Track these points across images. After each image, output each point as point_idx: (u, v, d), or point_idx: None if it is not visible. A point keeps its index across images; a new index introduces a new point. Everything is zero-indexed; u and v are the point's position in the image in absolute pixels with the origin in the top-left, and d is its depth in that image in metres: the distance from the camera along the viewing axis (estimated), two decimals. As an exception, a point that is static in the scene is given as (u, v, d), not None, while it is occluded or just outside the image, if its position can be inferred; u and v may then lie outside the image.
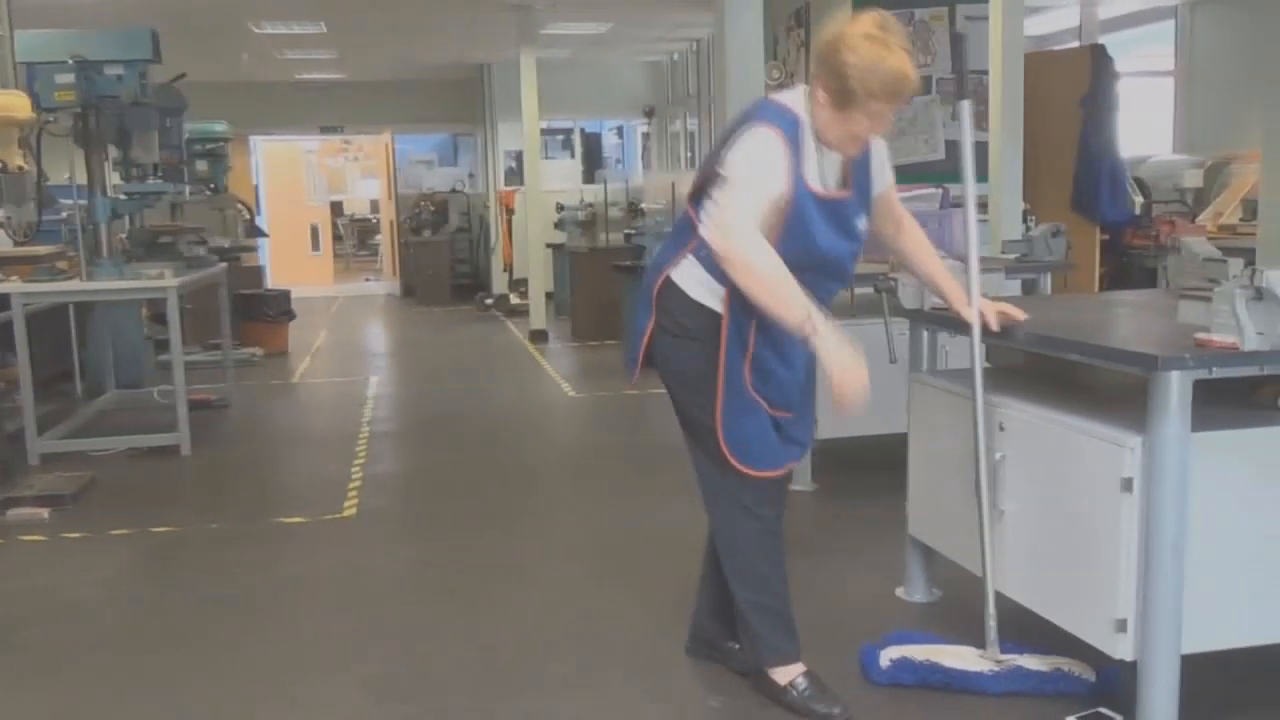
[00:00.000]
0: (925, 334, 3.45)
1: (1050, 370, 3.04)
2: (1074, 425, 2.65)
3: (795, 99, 2.65)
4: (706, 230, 2.62)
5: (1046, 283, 5.21)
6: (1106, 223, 7.42)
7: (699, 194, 2.71)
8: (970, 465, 2.90)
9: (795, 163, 2.58)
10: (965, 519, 2.97)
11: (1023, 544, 2.82)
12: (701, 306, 2.72)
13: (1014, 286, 5.04)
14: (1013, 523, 2.85)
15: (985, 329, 2.88)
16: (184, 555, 4.39)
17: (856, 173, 2.72)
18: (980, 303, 2.89)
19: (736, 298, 2.63)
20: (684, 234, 2.76)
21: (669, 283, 2.77)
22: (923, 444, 3.35)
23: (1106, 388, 2.82)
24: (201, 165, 9.06)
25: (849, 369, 2.52)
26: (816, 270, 2.66)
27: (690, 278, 2.74)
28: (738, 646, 3.02)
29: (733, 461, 2.74)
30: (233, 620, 3.66)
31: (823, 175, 2.65)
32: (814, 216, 2.61)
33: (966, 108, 2.88)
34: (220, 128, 9.28)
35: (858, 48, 2.49)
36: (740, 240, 2.52)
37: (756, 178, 2.55)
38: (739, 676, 3.00)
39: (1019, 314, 2.88)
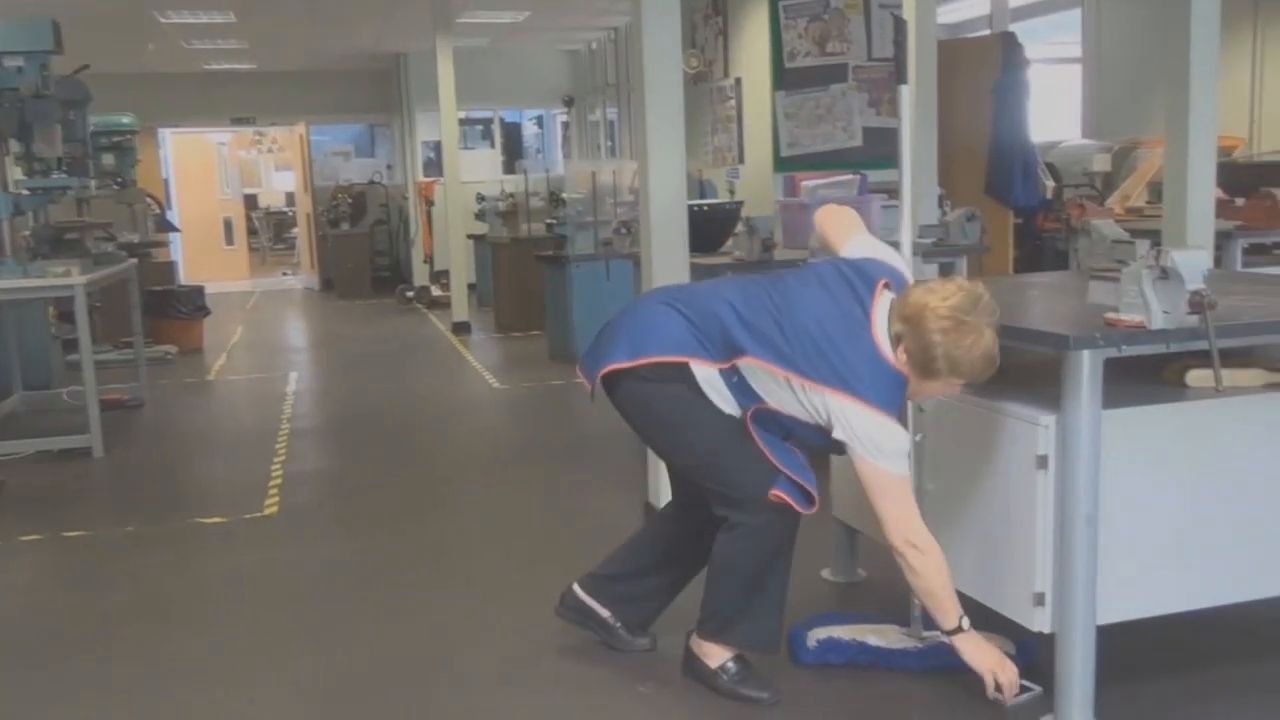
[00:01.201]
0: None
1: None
2: (990, 405, 2.70)
3: (888, 348, 2.57)
4: (890, 536, 2.60)
5: (962, 266, 5.31)
6: (1019, 207, 7.57)
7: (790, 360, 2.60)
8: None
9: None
10: (887, 500, 3.01)
11: (944, 523, 2.87)
12: (707, 399, 2.71)
13: (930, 270, 5.13)
14: (934, 502, 2.91)
15: None
16: (98, 560, 4.28)
17: None
18: None
19: (757, 419, 2.69)
20: (720, 349, 2.67)
21: (686, 370, 2.69)
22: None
23: (1021, 368, 2.89)
24: (108, 159, 8.81)
25: (999, 666, 2.60)
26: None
27: (710, 383, 2.70)
28: (619, 625, 3.11)
29: (807, 501, 2.73)
30: (150, 625, 3.58)
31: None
32: None
33: (905, 93, 2.89)
34: (126, 120, 9.03)
35: (948, 330, 2.45)
36: (923, 558, 2.58)
37: (899, 478, 2.59)
38: (664, 662, 3.01)
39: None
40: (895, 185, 3.49)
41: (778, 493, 2.68)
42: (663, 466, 3.96)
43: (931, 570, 2.59)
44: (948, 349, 2.46)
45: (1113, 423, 2.50)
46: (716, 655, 2.88)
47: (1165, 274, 2.45)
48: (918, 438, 2.91)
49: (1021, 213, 7.68)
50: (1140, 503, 2.57)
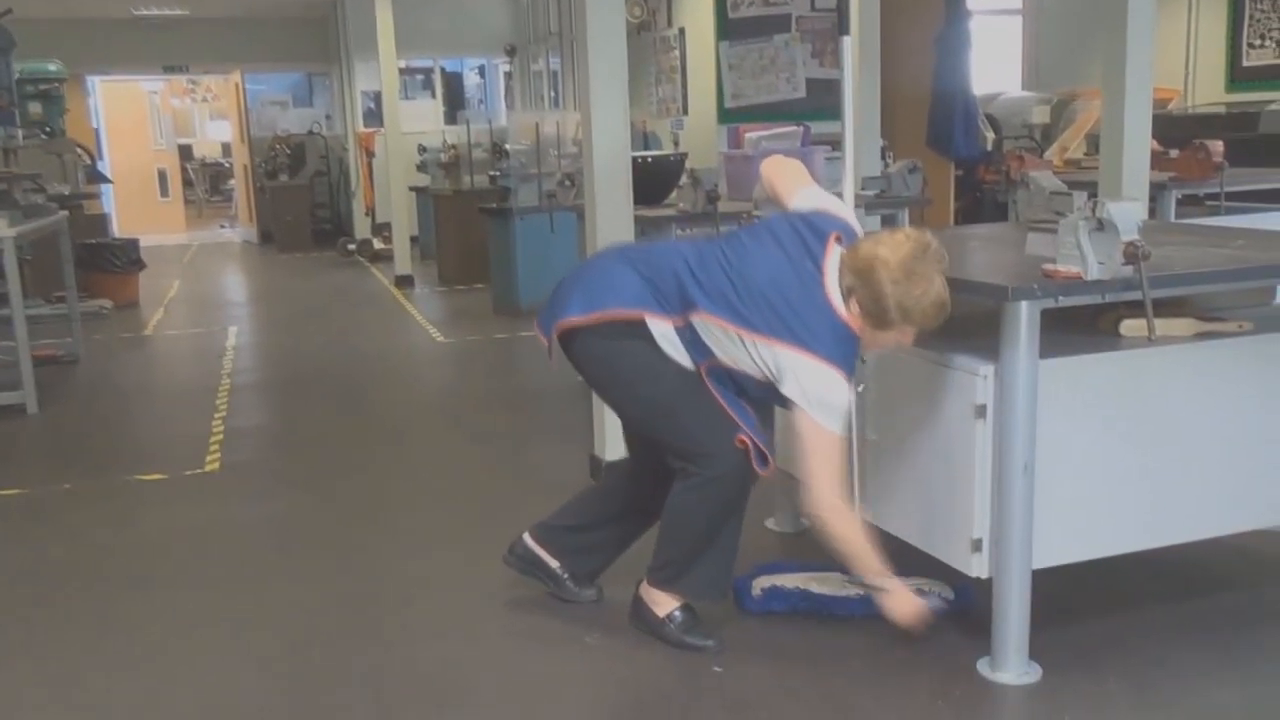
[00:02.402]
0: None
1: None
2: (930, 357, 2.73)
3: (839, 301, 2.57)
4: (816, 498, 2.61)
5: (904, 218, 5.34)
6: (960, 159, 7.62)
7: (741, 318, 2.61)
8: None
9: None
10: (830, 450, 3.05)
11: (886, 472, 2.91)
12: (664, 354, 2.71)
13: (873, 222, 5.16)
14: (876, 452, 2.94)
15: None
16: (34, 519, 4.20)
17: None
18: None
19: (712, 375, 2.71)
20: (675, 305, 2.67)
21: (642, 324, 2.68)
22: (788, 378, 3.41)
23: (961, 319, 2.92)
24: (35, 107, 8.53)
25: (910, 610, 2.72)
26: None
27: (666, 339, 2.69)
28: (566, 575, 3.13)
29: (763, 461, 2.74)
30: (90, 584, 3.53)
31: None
32: None
33: (848, 44, 2.87)
34: (54, 67, 8.76)
35: (899, 280, 2.46)
36: (845, 522, 2.65)
37: (837, 438, 2.58)
38: (611, 612, 3.04)
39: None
40: (838, 137, 3.48)
41: (743, 438, 2.70)
42: (609, 419, 3.97)
43: (853, 532, 2.65)
44: (899, 299, 2.47)
45: (1049, 372, 2.55)
46: (665, 604, 2.90)
47: (1101, 225, 2.48)
48: (860, 389, 2.93)
49: (963, 165, 7.73)
50: (1075, 450, 2.62)
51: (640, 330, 2.69)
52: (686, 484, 2.77)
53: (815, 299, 2.57)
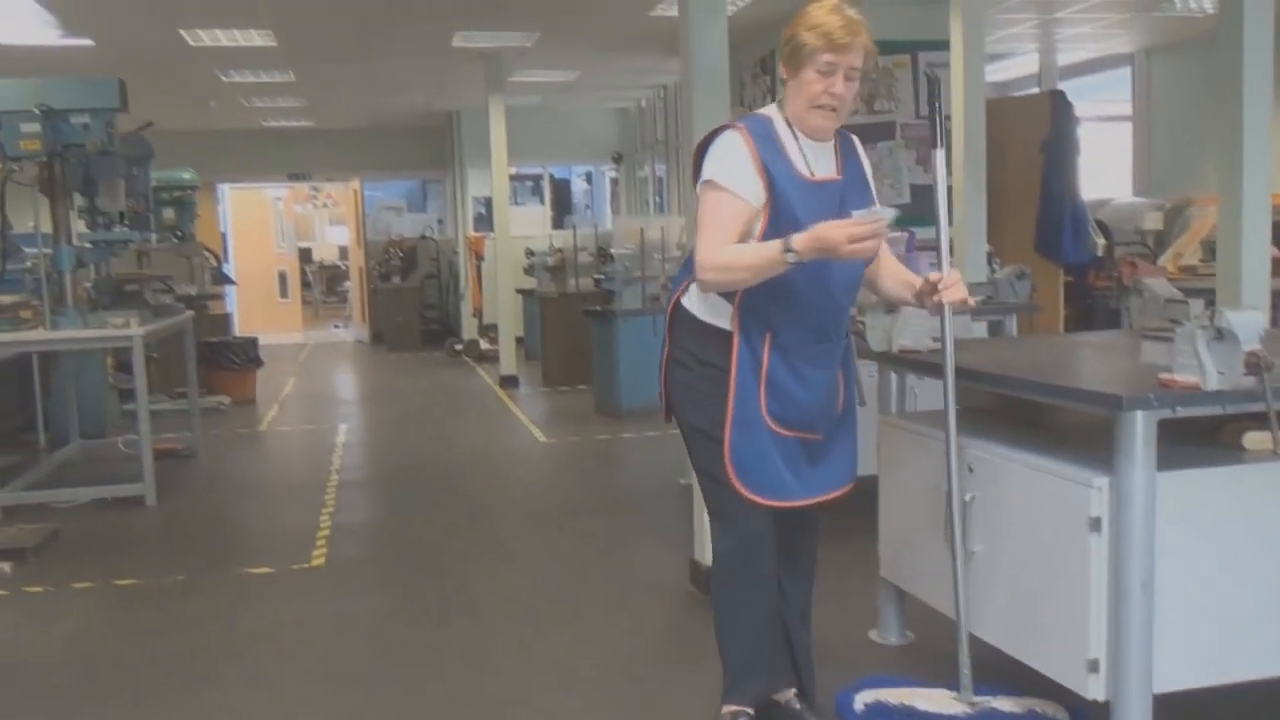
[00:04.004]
0: (894, 376, 3.47)
1: (1017, 411, 3.07)
2: (1042, 466, 2.66)
3: (768, 108, 2.69)
4: (699, 263, 2.59)
5: (1011, 324, 5.26)
6: (1069, 265, 7.52)
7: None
8: (941, 506, 2.91)
9: (769, 154, 2.58)
10: (936, 560, 2.98)
11: (994, 585, 2.82)
12: (710, 326, 2.67)
13: (979, 329, 5.09)
14: (983, 564, 2.86)
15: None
16: (147, 608, 4.31)
17: (850, 165, 2.69)
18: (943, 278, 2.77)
19: (746, 314, 2.62)
20: (689, 260, 2.72)
21: (678, 308, 2.75)
22: (893, 485, 3.36)
23: (1073, 428, 2.85)
24: (168, 213, 9.02)
25: (841, 231, 2.42)
26: (817, 280, 2.58)
27: (697, 300, 2.71)
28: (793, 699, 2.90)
29: (732, 478, 2.64)
30: (198, 675, 3.59)
31: (808, 163, 2.62)
32: (795, 200, 2.56)
33: (940, 157, 2.86)
34: (187, 175, 9.26)
35: (801, 13, 2.58)
36: (710, 268, 2.56)
37: (724, 198, 2.56)
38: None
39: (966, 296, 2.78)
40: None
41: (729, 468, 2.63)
42: (708, 522, 3.93)
43: (730, 259, 2.53)
44: (798, 25, 2.55)
45: (1168, 485, 2.46)
46: (729, 712, 2.78)
47: (1220, 334, 2.41)
48: (968, 497, 2.87)
49: (1072, 270, 7.62)
50: (1198, 567, 2.51)
51: (699, 351, 2.68)
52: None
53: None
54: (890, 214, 2.43)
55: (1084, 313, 7.67)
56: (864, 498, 3.60)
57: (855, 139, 2.77)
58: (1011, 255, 6.69)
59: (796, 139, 2.62)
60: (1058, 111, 7.58)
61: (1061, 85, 10.12)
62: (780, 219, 2.54)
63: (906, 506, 3.25)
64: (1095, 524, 2.49)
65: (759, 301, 2.60)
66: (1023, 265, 5.53)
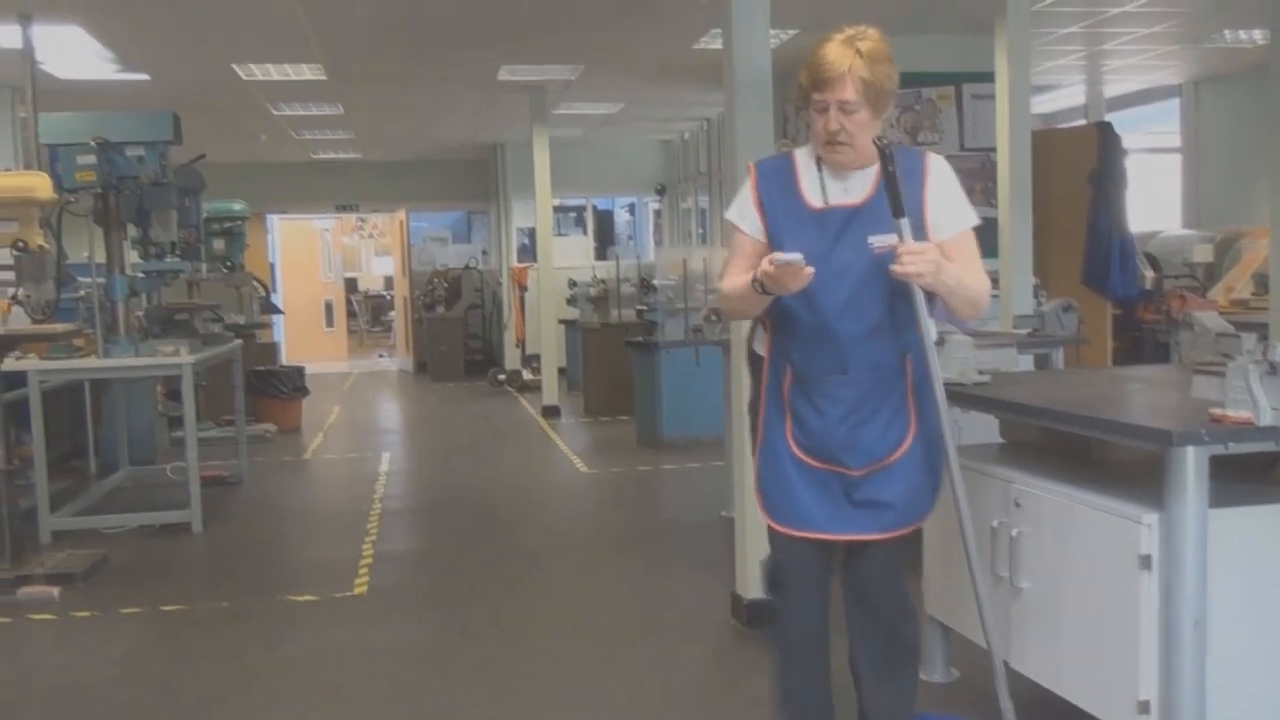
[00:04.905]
0: (938, 409, 3.44)
1: (1065, 446, 3.03)
2: (1090, 501, 2.63)
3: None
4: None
5: (1058, 357, 5.21)
6: (1117, 297, 7.43)
7: None
8: (987, 542, 2.87)
9: (771, 189, 2.62)
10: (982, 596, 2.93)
11: (1041, 622, 2.78)
12: (756, 356, 2.75)
13: (1026, 361, 5.04)
14: (1030, 600, 2.82)
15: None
16: (193, 634, 4.36)
17: (894, 191, 2.46)
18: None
19: (772, 344, 2.67)
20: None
21: (750, 350, 2.81)
22: (937, 521, 3.32)
23: (1122, 464, 2.81)
24: (218, 243, 9.18)
25: (764, 266, 2.45)
26: (810, 308, 2.54)
27: (752, 335, 2.80)
28: None
29: (759, 504, 2.70)
30: (240, 701, 3.62)
31: (824, 192, 2.58)
32: (785, 231, 2.56)
33: (905, 225, 2.47)
34: (238, 207, 9.43)
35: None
36: (720, 299, 2.74)
37: (735, 233, 2.70)
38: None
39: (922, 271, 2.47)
40: (989, 275, 3.43)
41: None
42: (751, 555, 3.92)
43: (724, 296, 2.69)
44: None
45: (1220, 522, 2.41)
46: None
47: (1273, 369, 2.37)
48: (1014, 533, 2.83)
49: (1120, 304, 7.53)
50: (1250, 607, 2.46)
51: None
52: None
53: None
54: (797, 258, 2.40)
55: (1132, 346, 7.57)
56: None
57: (927, 158, 2.61)
58: (1058, 288, 6.63)
59: (821, 170, 2.60)
60: (1105, 143, 7.52)
61: (1109, 117, 10.05)
62: (775, 249, 2.53)
63: (951, 542, 3.21)
64: (1146, 561, 2.44)
65: (775, 332, 2.67)
66: (1070, 298, 5.47)
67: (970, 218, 2.63)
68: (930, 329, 2.53)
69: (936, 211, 2.57)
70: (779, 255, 2.42)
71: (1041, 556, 2.80)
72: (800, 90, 2.55)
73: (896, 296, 2.52)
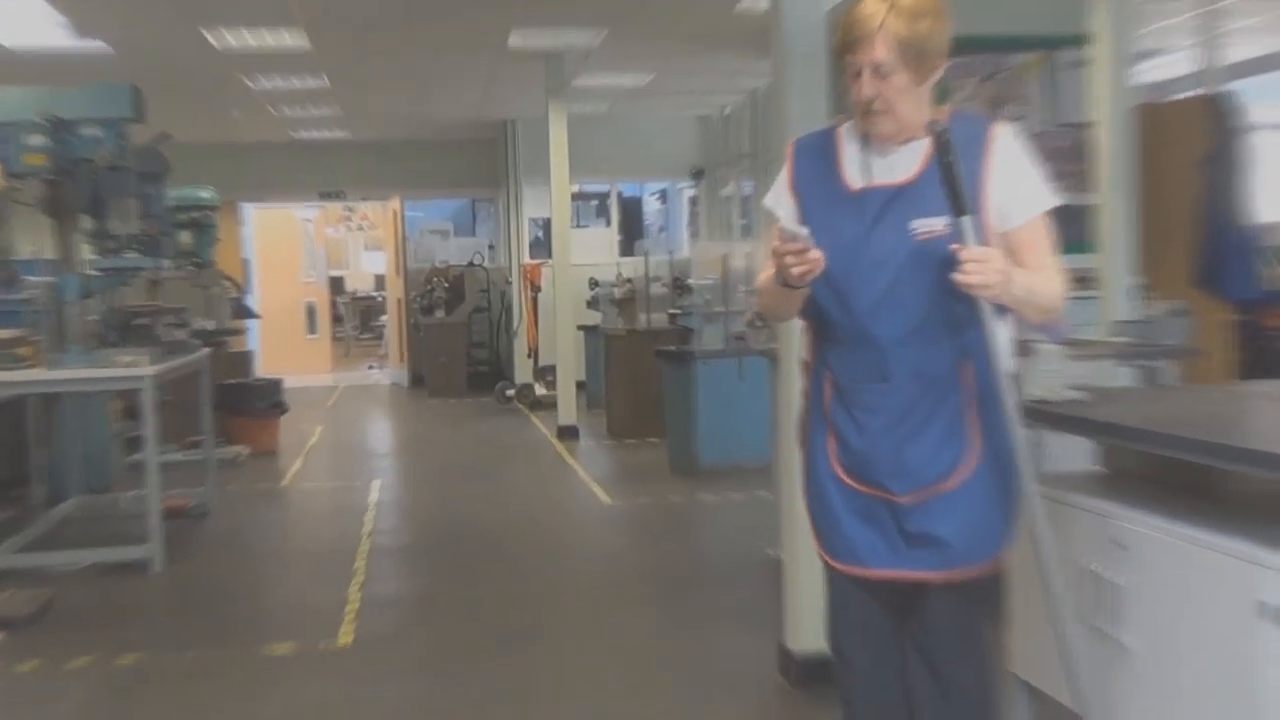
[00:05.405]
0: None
1: (1176, 476, 2.99)
2: (1203, 541, 2.59)
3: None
4: None
5: (1167, 371, 5.15)
6: (1234, 300, 7.36)
7: None
8: (1086, 589, 2.84)
9: (808, 169, 2.65)
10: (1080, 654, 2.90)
11: (1152, 688, 2.75)
12: (804, 361, 2.76)
13: (1126, 375, 4.99)
14: (1138, 661, 2.78)
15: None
16: (151, 692, 4.38)
17: (935, 167, 2.42)
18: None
19: (812, 347, 2.69)
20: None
21: (800, 357, 2.84)
22: (1027, 563, 3.29)
23: (1244, 496, 2.77)
24: (185, 237, 9.24)
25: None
26: (838, 303, 2.53)
27: (803, 339, 2.80)
28: None
29: (813, 530, 2.70)
30: (207, 769, 3.64)
31: (868, 170, 2.54)
32: (817, 215, 2.54)
33: (968, 223, 2.41)
34: (207, 194, 9.48)
35: None
36: (756, 294, 2.84)
37: (770, 221, 2.72)
38: None
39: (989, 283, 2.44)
40: (1085, 273, 3.40)
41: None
42: (806, 603, 3.90)
43: (758, 290, 2.74)
44: None
45: (1363, 567, 2.38)
46: None
47: None
48: (1121, 581, 2.80)
49: (1242, 308, 7.46)
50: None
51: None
52: None
53: None
54: (801, 232, 2.39)
55: (1256, 357, 7.49)
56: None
57: (992, 127, 2.57)
58: (1168, 290, 6.57)
59: (864, 146, 2.58)
60: (1223, 118, 7.45)
61: (1231, 85, 9.96)
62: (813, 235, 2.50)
63: (1038, 584, 3.18)
64: (1266, 610, 2.41)
65: (814, 335, 2.69)
66: (1182, 301, 5.42)
67: (1045, 199, 2.58)
68: (999, 332, 2.46)
69: (1002, 195, 2.51)
70: (782, 224, 2.45)
71: (1152, 607, 2.77)
72: (834, 55, 2.55)
73: (946, 291, 2.43)
